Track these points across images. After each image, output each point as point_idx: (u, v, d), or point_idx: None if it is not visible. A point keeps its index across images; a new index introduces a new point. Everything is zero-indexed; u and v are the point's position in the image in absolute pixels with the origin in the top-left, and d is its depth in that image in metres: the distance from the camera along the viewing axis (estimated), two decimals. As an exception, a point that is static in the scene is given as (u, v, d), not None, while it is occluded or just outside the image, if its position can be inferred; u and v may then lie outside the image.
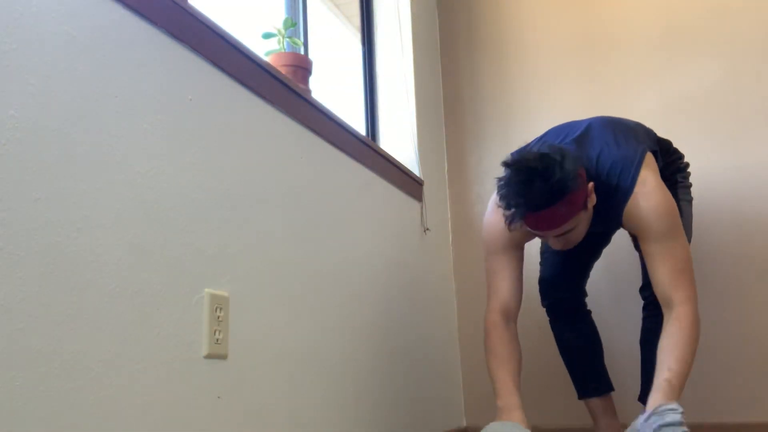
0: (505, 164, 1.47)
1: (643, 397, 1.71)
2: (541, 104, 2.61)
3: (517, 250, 1.67)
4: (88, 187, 1.01)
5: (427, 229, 2.41)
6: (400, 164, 2.24)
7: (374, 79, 2.56)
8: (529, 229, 1.50)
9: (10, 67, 0.91)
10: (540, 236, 1.54)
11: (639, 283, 1.80)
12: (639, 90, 2.46)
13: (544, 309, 1.94)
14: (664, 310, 1.52)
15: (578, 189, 1.44)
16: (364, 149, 1.97)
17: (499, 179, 1.49)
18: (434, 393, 2.26)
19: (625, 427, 1.88)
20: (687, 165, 1.83)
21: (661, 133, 1.83)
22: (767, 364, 2.11)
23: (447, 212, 2.70)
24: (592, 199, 1.52)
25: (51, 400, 0.91)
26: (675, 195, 1.64)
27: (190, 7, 1.28)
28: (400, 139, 2.46)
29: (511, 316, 1.65)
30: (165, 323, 1.13)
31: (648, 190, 1.52)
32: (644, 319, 1.76)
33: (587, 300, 1.95)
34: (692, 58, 2.41)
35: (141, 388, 1.06)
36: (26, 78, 0.93)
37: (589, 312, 1.93)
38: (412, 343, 2.13)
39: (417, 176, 2.38)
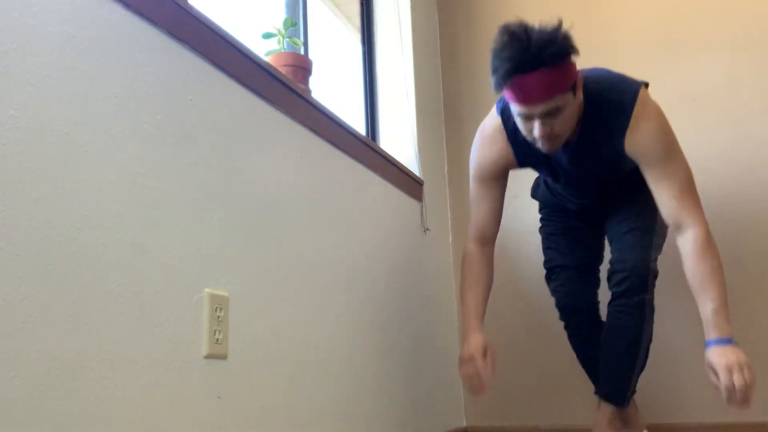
0: (500, 28, 1.46)
1: (600, 391, 1.78)
2: (541, 104, 2.61)
3: (498, 179, 1.73)
4: (88, 187, 1.01)
5: (427, 229, 2.41)
6: (400, 164, 2.24)
7: (374, 79, 2.55)
8: (515, 103, 1.47)
9: (10, 67, 0.91)
10: (525, 115, 1.49)
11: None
12: (639, 90, 2.46)
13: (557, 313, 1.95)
14: (676, 233, 1.58)
15: (568, 64, 1.44)
16: (364, 149, 1.97)
17: (492, 45, 1.47)
18: (434, 393, 2.26)
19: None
20: None
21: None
22: (766, 364, 2.11)
23: (447, 212, 2.70)
24: (579, 96, 1.52)
25: (51, 400, 0.91)
26: None
27: (190, 7, 1.28)
28: (400, 139, 2.46)
29: (486, 240, 1.75)
30: (165, 323, 1.13)
31: (648, 111, 1.54)
32: (609, 314, 1.75)
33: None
34: (692, 56, 2.41)
35: (141, 388, 1.06)
36: (26, 78, 0.93)
37: (601, 318, 1.94)
38: (412, 343, 2.13)
39: (417, 176, 2.38)
